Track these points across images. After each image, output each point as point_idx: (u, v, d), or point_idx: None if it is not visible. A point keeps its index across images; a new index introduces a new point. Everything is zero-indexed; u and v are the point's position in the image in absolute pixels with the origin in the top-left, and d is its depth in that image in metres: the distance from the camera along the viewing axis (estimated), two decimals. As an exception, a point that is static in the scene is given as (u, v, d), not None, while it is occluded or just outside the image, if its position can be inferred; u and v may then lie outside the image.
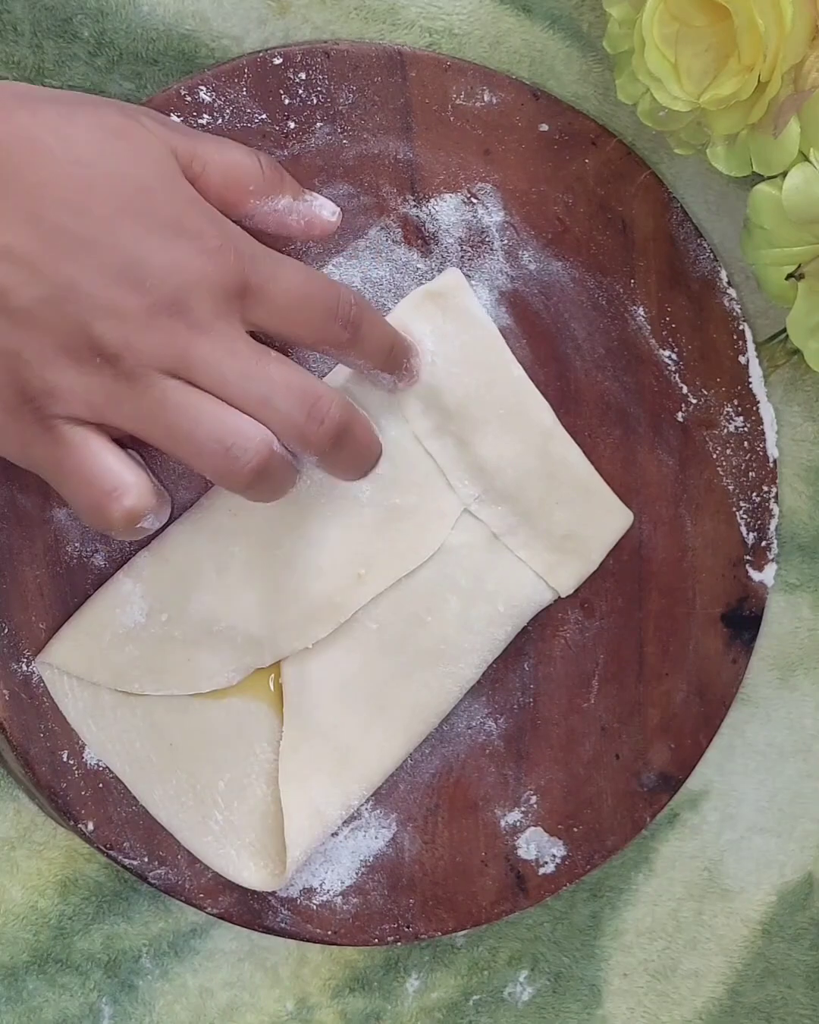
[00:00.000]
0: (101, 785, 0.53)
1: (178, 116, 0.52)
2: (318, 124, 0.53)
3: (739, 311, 0.56)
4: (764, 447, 0.57)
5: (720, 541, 0.57)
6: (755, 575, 0.57)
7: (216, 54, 0.53)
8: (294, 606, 0.53)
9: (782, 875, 0.61)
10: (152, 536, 0.52)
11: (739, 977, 0.61)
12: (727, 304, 0.56)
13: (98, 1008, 0.56)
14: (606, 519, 0.56)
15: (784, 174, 0.48)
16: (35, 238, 0.42)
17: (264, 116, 0.53)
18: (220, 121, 0.52)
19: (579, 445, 0.55)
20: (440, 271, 0.54)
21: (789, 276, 0.50)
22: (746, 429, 0.57)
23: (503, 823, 0.56)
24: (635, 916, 0.60)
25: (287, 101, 0.53)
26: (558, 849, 0.56)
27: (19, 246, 0.42)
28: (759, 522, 0.57)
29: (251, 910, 0.54)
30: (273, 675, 0.54)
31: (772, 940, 0.61)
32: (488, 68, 0.54)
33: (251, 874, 0.53)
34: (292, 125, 0.53)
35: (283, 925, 0.54)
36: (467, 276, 0.54)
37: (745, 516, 0.57)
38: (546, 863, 0.56)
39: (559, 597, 0.56)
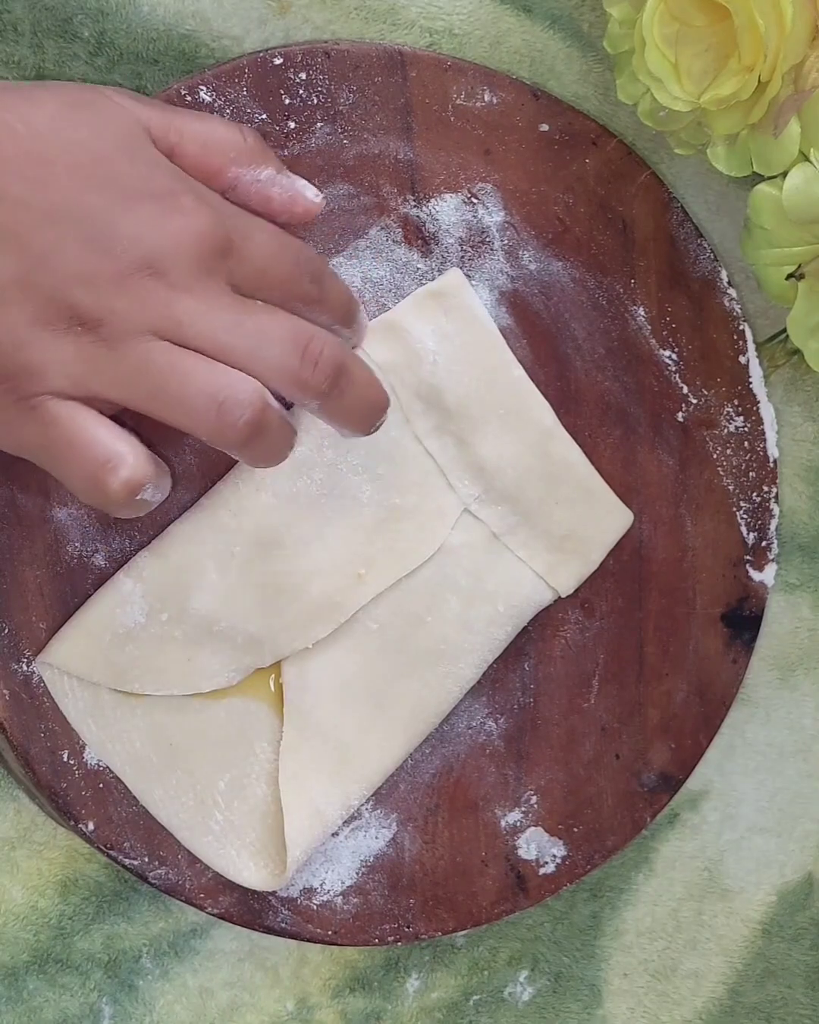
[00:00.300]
0: (101, 785, 0.53)
1: (178, 116, 0.52)
2: (318, 124, 0.53)
3: (739, 311, 0.57)
4: (764, 447, 0.57)
5: (720, 541, 0.57)
6: (755, 575, 0.57)
7: (216, 54, 0.53)
8: (294, 606, 0.53)
9: (782, 875, 0.61)
10: (153, 536, 0.53)
11: (739, 977, 0.61)
12: (727, 304, 0.56)
13: (98, 1008, 0.56)
14: (606, 519, 0.56)
15: (784, 174, 0.48)
16: (0, 216, 0.42)
17: (264, 116, 0.53)
18: (220, 121, 0.52)
19: (579, 445, 0.55)
20: (440, 271, 0.54)
21: (789, 276, 0.50)
22: (746, 429, 0.57)
23: (503, 823, 0.56)
24: (635, 916, 0.60)
25: (287, 101, 0.53)
26: (558, 849, 0.56)
27: None
28: (759, 522, 0.57)
29: (251, 910, 0.54)
30: (273, 675, 0.54)
31: (772, 940, 0.61)
32: (488, 68, 0.54)
33: (251, 874, 0.53)
34: (292, 125, 0.53)
35: (283, 925, 0.54)
36: (467, 276, 0.54)
37: (745, 516, 0.57)
38: (546, 863, 0.56)
39: (559, 597, 0.56)
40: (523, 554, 0.55)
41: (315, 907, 0.54)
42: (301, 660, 0.53)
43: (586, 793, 0.56)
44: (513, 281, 0.55)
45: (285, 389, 0.45)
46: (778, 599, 0.59)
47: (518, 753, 0.56)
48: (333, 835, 0.55)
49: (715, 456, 0.57)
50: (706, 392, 0.57)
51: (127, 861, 0.53)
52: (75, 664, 0.52)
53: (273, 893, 0.54)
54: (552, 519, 0.55)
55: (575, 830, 0.56)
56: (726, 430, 0.57)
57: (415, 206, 0.54)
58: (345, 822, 0.55)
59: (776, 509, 0.58)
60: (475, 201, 0.54)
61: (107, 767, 0.53)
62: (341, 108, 0.53)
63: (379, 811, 0.55)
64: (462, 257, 0.54)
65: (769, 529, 0.57)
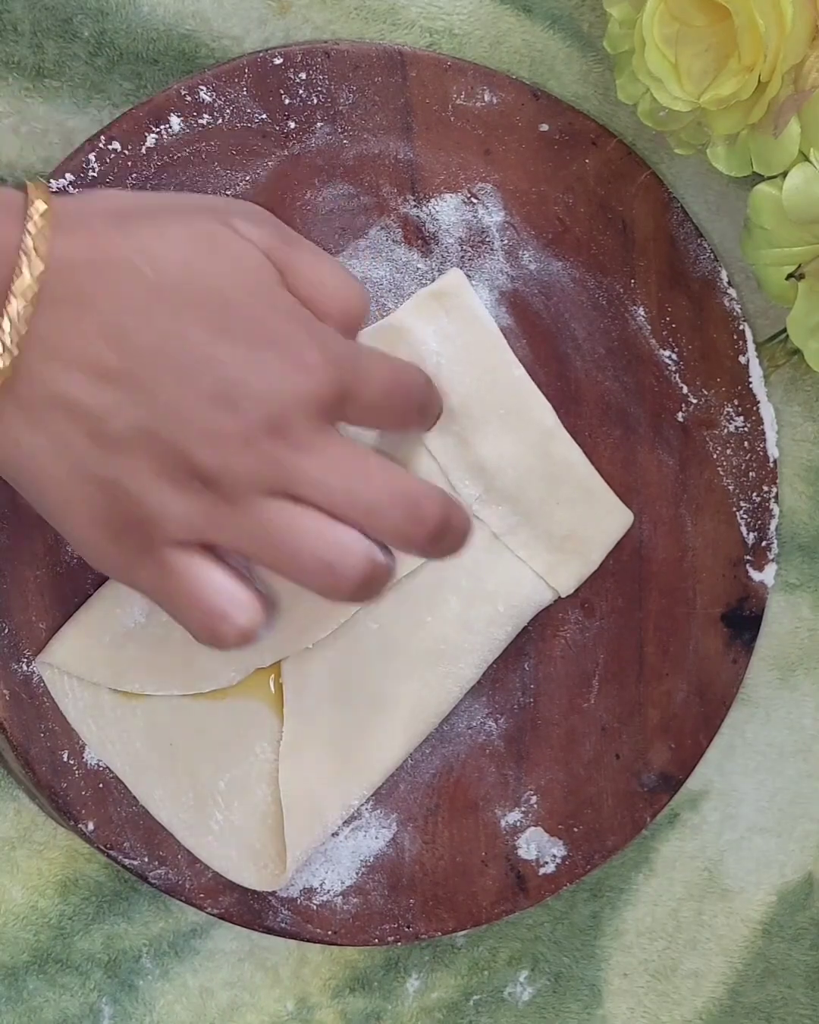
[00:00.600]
0: (101, 785, 0.53)
1: (178, 116, 0.52)
2: (318, 124, 0.53)
3: (739, 311, 0.56)
4: (764, 447, 0.57)
5: (720, 541, 0.57)
6: (755, 575, 0.57)
7: (216, 54, 0.53)
8: (294, 606, 0.53)
9: (782, 875, 0.61)
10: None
11: (739, 977, 0.61)
12: (727, 304, 0.56)
13: (98, 1008, 0.56)
14: (606, 519, 0.56)
15: (784, 174, 0.48)
16: (128, 362, 0.42)
17: (264, 116, 0.53)
18: (220, 121, 0.52)
19: (579, 445, 0.55)
20: (440, 271, 0.54)
21: (789, 276, 0.50)
22: (746, 429, 0.57)
23: (503, 823, 0.56)
24: (635, 916, 0.60)
25: (287, 101, 0.53)
26: (558, 849, 0.56)
27: (113, 371, 0.41)
28: (759, 522, 0.57)
29: (251, 910, 0.54)
30: (273, 675, 0.54)
31: (772, 940, 0.61)
32: (488, 68, 0.54)
33: (251, 874, 0.53)
34: (292, 125, 0.53)
35: (283, 925, 0.54)
36: (468, 276, 0.54)
37: (745, 516, 0.57)
38: (546, 863, 0.56)
39: (559, 597, 0.56)
40: (523, 554, 0.55)
41: (315, 907, 0.54)
42: (301, 660, 0.53)
43: (586, 793, 0.56)
44: (513, 281, 0.55)
45: (392, 544, 0.46)
46: (778, 599, 0.59)
47: (518, 753, 0.56)
48: (333, 835, 0.54)
49: (715, 456, 0.57)
50: (706, 392, 0.57)
51: (127, 861, 0.53)
52: (75, 664, 0.52)
53: (273, 893, 0.54)
54: (552, 519, 0.55)
55: (575, 830, 0.56)
56: (726, 430, 0.57)
57: (415, 206, 0.54)
58: (345, 822, 0.55)
59: (776, 509, 0.58)
60: (475, 201, 0.54)
61: (107, 767, 0.53)
62: (341, 108, 0.53)
63: (379, 811, 0.55)
64: (462, 257, 0.54)
65: (769, 529, 0.57)
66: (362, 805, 0.55)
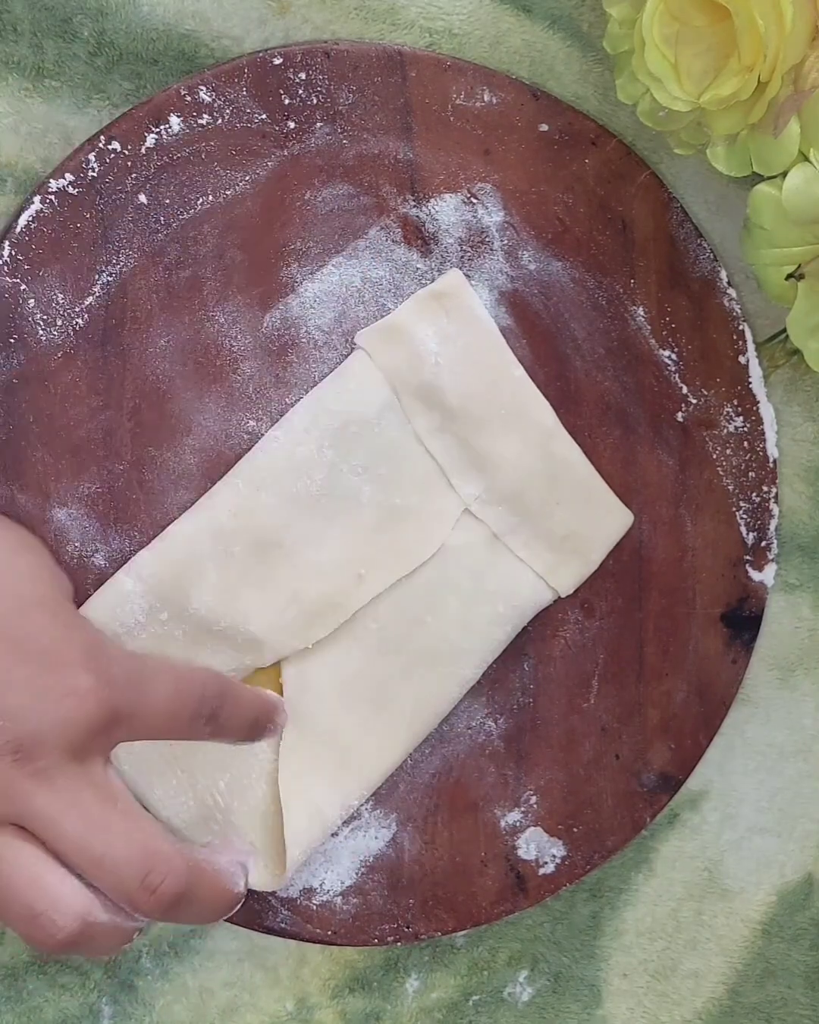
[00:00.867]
0: (101, 785, 0.53)
1: (178, 116, 0.52)
2: (318, 124, 0.53)
3: (739, 311, 0.56)
4: (764, 447, 0.57)
5: (720, 541, 0.57)
6: (755, 575, 0.57)
7: (216, 54, 0.53)
8: (294, 606, 0.53)
9: (782, 875, 0.61)
10: (153, 536, 0.53)
11: (739, 977, 0.61)
12: (727, 304, 0.56)
13: (98, 1008, 0.56)
14: (606, 519, 0.56)
15: (784, 174, 0.48)
16: None
17: (264, 116, 0.53)
18: (220, 121, 0.52)
19: (579, 445, 0.55)
20: (440, 271, 0.54)
21: (789, 276, 0.50)
22: (746, 429, 0.57)
23: (503, 823, 0.56)
24: (635, 916, 0.60)
25: (287, 101, 0.53)
26: (558, 849, 0.56)
27: None
28: (759, 522, 0.57)
29: (251, 910, 0.54)
30: (273, 675, 0.54)
31: (772, 940, 0.61)
32: (488, 68, 0.54)
33: (251, 875, 0.53)
34: (292, 125, 0.53)
35: (283, 925, 0.54)
36: (467, 276, 0.54)
37: (745, 516, 0.57)
38: (546, 863, 0.56)
39: (559, 597, 0.56)
40: (523, 554, 0.55)
41: (315, 907, 0.54)
42: (301, 660, 0.53)
43: (586, 793, 0.56)
44: (513, 281, 0.55)
45: (120, 902, 0.44)
46: (778, 599, 0.59)
47: (518, 753, 0.56)
48: (333, 835, 0.55)
49: (715, 456, 0.57)
50: (706, 392, 0.57)
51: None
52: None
53: (273, 893, 0.54)
54: (553, 519, 0.55)
55: (575, 830, 0.56)
56: (726, 430, 0.57)
57: (415, 206, 0.54)
58: (345, 822, 0.55)
59: (776, 509, 0.58)
60: (475, 201, 0.54)
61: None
62: (341, 108, 0.53)
63: (379, 811, 0.55)
64: (462, 257, 0.54)
65: (769, 529, 0.57)
66: (362, 805, 0.55)
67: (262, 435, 0.53)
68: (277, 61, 0.53)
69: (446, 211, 0.54)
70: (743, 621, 0.57)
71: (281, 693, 0.54)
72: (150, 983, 0.57)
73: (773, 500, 0.57)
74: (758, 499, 0.57)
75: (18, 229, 0.51)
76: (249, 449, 0.53)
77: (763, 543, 0.57)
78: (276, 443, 0.53)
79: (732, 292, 0.56)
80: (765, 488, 0.57)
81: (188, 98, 0.52)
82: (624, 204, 0.55)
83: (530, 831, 0.56)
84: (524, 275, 0.55)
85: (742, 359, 0.57)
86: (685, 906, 0.60)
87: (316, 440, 0.53)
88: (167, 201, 0.52)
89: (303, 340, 0.54)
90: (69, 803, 0.42)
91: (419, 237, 0.54)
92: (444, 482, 0.54)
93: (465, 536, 0.54)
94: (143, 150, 0.52)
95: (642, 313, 0.56)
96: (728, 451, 0.57)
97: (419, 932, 0.55)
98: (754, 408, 0.57)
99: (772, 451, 0.57)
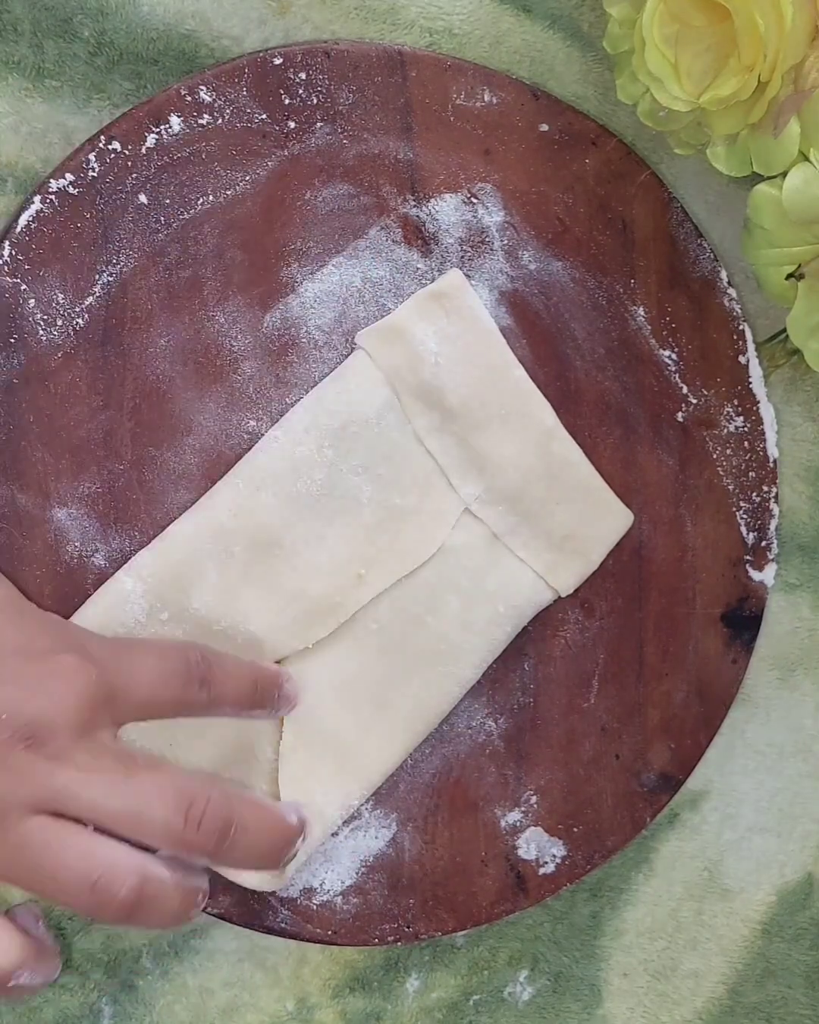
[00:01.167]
0: (101, 785, 0.53)
1: (178, 116, 0.52)
2: (318, 124, 0.53)
3: (739, 311, 0.56)
4: (764, 447, 0.57)
5: (720, 541, 0.57)
6: (755, 575, 0.57)
7: (216, 54, 0.53)
8: (294, 606, 0.53)
9: (782, 875, 0.61)
10: (153, 536, 0.53)
11: (739, 977, 0.61)
12: (727, 304, 0.56)
13: (98, 1008, 0.56)
14: (606, 519, 0.56)
15: (784, 174, 0.48)
16: None
17: (264, 116, 0.53)
18: (220, 121, 0.52)
19: (579, 445, 0.55)
20: (440, 271, 0.54)
21: (789, 276, 0.50)
22: (746, 429, 0.57)
23: (503, 823, 0.56)
24: (635, 916, 0.60)
25: (287, 101, 0.53)
26: (558, 849, 0.56)
27: None
28: (759, 522, 0.57)
29: (251, 910, 0.54)
30: (273, 675, 0.54)
31: (772, 940, 0.61)
32: (488, 68, 0.54)
33: (251, 874, 0.53)
34: (292, 125, 0.53)
35: (283, 925, 0.54)
36: (467, 276, 0.54)
37: (745, 516, 0.57)
38: (546, 863, 0.56)
39: (559, 597, 0.56)
40: (523, 554, 0.55)
41: (315, 907, 0.54)
42: (301, 660, 0.53)
43: (586, 793, 0.56)
44: (513, 281, 0.55)
45: (173, 850, 0.44)
46: (778, 599, 0.59)
47: (518, 753, 0.56)
48: (333, 835, 0.55)
49: (715, 456, 0.57)
50: (706, 392, 0.57)
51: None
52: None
53: (273, 893, 0.54)
54: (552, 519, 0.55)
55: (575, 830, 0.56)
56: (726, 430, 0.57)
57: (415, 206, 0.54)
58: (345, 822, 0.55)
59: (776, 509, 0.58)
60: (475, 201, 0.54)
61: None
62: (341, 108, 0.53)
63: (379, 811, 0.55)
64: (462, 257, 0.54)
65: (769, 529, 0.58)
66: (362, 805, 0.55)
67: (262, 435, 0.53)
68: (277, 61, 0.53)
69: (446, 211, 0.54)
70: (743, 621, 0.57)
71: (281, 693, 0.54)
72: (150, 983, 0.57)
73: (773, 500, 0.57)
74: (758, 499, 0.57)
75: (18, 229, 0.51)
76: (249, 449, 0.53)
77: (763, 543, 0.57)
78: (276, 443, 0.53)
79: (732, 292, 0.56)
80: (765, 488, 0.57)
81: (188, 98, 0.52)
82: (624, 204, 0.55)
83: (530, 831, 0.56)
84: (524, 275, 0.55)
85: (742, 359, 0.57)
86: (685, 906, 0.60)
87: (316, 440, 0.53)
88: (167, 201, 0.52)
89: (303, 340, 0.54)
90: (92, 773, 0.43)
91: (419, 237, 0.54)
92: (444, 482, 0.54)
93: (465, 536, 0.54)
94: (143, 150, 0.52)
95: (642, 313, 0.56)
96: (728, 451, 0.57)
97: (419, 932, 0.55)
98: (754, 408, 0.57)
99: (772, 451, 0.57)
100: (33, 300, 0.52)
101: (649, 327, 0.56)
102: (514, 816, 0.56)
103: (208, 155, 0.52)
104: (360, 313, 0.54)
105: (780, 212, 0.48)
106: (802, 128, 0.48)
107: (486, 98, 0.54)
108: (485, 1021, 0.59)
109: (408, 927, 0.55)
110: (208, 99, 0.52)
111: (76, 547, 0.52)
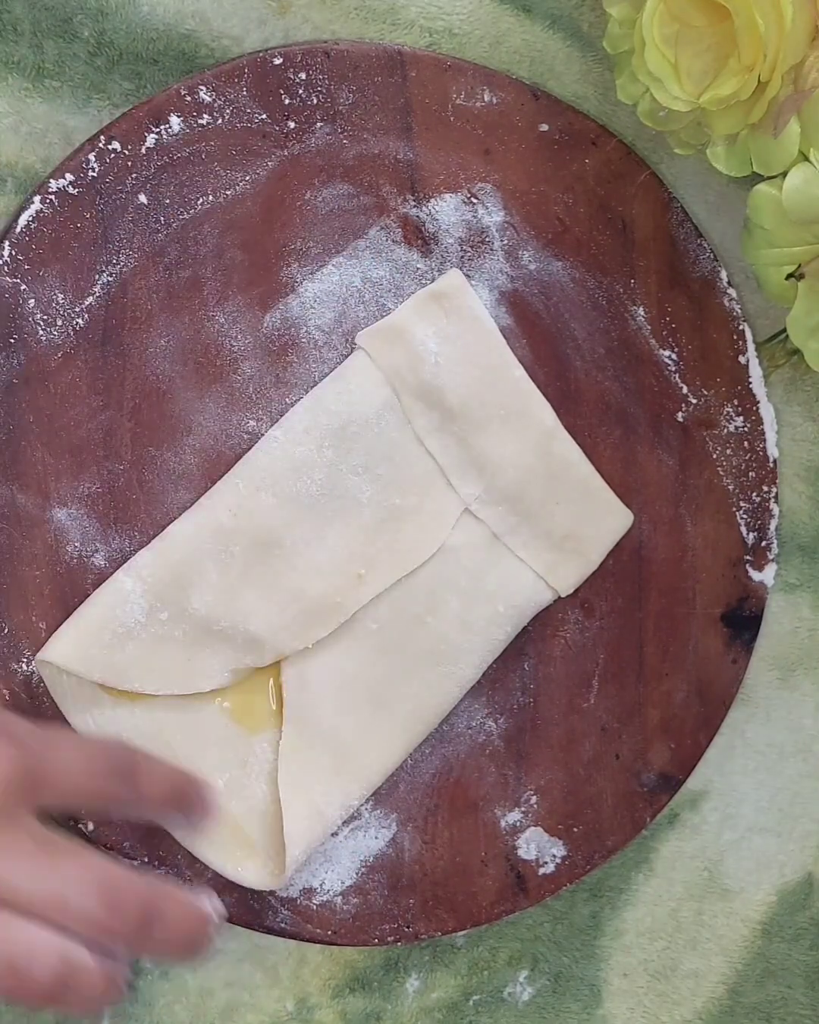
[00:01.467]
0: (101, 785, 0.53)
1: (178, 116, 0.52)
2: (318, 124, 0.53)
3: (739, 311, 0.56)
4: (764, 447, 0.57)
5: (720, 541, 0.57)
6: (755, 575, 0.57)
7: (216, 54, 0.53)
8: (294, 606, 0.53)
9: (782, 875, 0.61)
10: (153, 536, 0.53)
11: (739, 977, 0.61)
12: (727, 304, 0.56)
13: (98, 1008, 0.56)
14: (606, 519, 0.56)
15: (784, 174, 0.48)
16: None
17: (264, 116, 0.53)
18: (220, 121, 0.52)
19: (579, 445, 0.55)
20: (440, 271, 0.54)
21: (789, 276, 0.50)
22: (746, 429, 0.57)
23: (503, 823, 0.56)
24: (635, 916, 0.60)
25: (287, 101, 0.53)
26: (558, 849, 0.56)
27: None
28: (759, 522, 0.57)
29: (251, 910, 0.54)
30: (273, 675, 0.54)
31: (772, 940, 0.61)
32: (488, 68, 0.54)
33: (251, 874, 0.53)
34: (292, 125, 0.53)
35: (283, 925, 0.54)
36: (467, 276, 0.54)
37: (745, 516, 0.57)
38: (546, 863, 0.56)
39: (559, 597, 0.56)
40: (523, 554, 0.55)
41: (315, 907, 0.54)
42: (301, 660, 0.53)
43: (586, 793, 0.56)
44: (513, 281, 0.55)
45: (92, 936, 0.44)
46: (778, 599, 0.59)
47: (518, 753, 0.56)
48: (333, 835, 0.55)
49: (715, 456, 0.57)
50: (706, 392, 0.57)
51: (127, 861, 0.53)
52: (74, 662, 0.52)
53: (273, 893, 0.54)
54: (552, 519, 0.55)
55: (575, 830, 0.56)
56: (726, 430, 0.57)
57: (415, 206, 0.54)
58: (345, 822, 0.55)
59: (776, 509, 0.58)
60: (475, 201, 0.54)
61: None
62: (341, 108, 0.53)
63: (379, 811, 0.55)
64: (462, 257, 0.54)
65: (769, 529, 0.57)
66: (362, 805, 0.55)
67: (262, 435, 0.53)
68: (277, 61, 0.53)
69: (446, 211, 0.54)
70: (743, 621, 0.57)
71: (281, 693, 0.54)
72: (150, 983, 0.57)
73: (773, 500, 0.57)
74: (758, 499, 0.57)
75: (18, 229, 0.51)
76: (249, 449, 0.53)
77: (763, 543, 0.57)
78: (276, 443, 0.53)
79: (732, 292, 0.56)
80: (765, 488, 0.57)
81: (188, 98, 0.52)
82: (624, 204, 0.55)
83: (530, 831, 0.56)
84: (524, 275, 0.55)
85: (742, 359, 0.57)
86: (685, 906, 0.60)
87: (316, 440, 0.53)
88: (167, 201, 0.52)
89: (303, 340, 0.54)
90: (12, 856, 0.43)
91: (419, 237, 0.54)
92: (444, 482, 0.54)
93: (465, 536, 0.54)
94: (143, 150, 0.52)
95: (642, 313, 0.56)
96: (728, 451, 0.57)
97: (419, 932, 0.55)
98: (754, 408, 0.57)
99: (772, 451, 0.57)
100: (33, 300, 0.52)
101: (649, 327, 0.56)
102: (514, 816, 0.56)
103: (208, 155, 0.52)
104: (360, 313, 0.54)
105: (780, 212, 0.48)
106: (802, 128, 0.48)
107: (486, 98, 0.54)
108: (485, 1021, 0.59)
109: (408, 927, 0.55)
110: (208, 99, 0.52)
111: (76, 547, 0.52)
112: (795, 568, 0.59)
